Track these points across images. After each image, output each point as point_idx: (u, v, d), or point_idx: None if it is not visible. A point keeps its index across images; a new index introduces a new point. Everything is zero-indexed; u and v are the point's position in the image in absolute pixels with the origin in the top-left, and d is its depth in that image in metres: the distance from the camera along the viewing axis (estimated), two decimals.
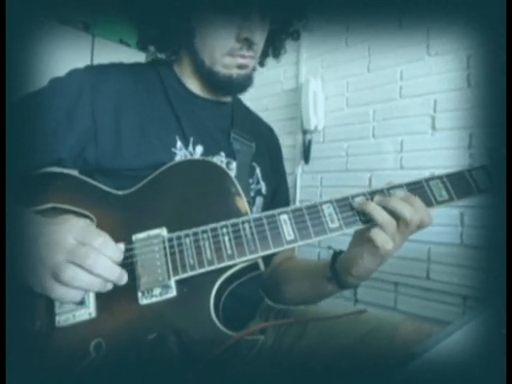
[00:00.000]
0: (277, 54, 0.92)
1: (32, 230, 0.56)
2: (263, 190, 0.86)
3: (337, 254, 0.73)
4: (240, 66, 0.76)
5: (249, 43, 0.74)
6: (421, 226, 0.61)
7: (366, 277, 0.68)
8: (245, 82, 0.79)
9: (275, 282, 0.88)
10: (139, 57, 2.44)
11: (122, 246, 0.59)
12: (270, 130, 1.03)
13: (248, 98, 0.93)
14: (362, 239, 0.64)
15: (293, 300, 0.86)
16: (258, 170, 0.86)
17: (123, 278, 0.57)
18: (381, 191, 0.63)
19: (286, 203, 0.98)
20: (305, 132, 2.08)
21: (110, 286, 0.57)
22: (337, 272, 0.71)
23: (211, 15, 0.73)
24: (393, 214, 0.60)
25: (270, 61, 0.94)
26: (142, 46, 0.84)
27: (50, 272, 0.53)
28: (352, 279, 0.69)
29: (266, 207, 0.85)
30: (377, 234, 0.60)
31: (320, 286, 0.76)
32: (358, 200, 0.63)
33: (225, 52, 0.74)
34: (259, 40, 0.75)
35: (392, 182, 0.65)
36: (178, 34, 0.77)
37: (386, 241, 0.60)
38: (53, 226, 0.56)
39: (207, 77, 0.78)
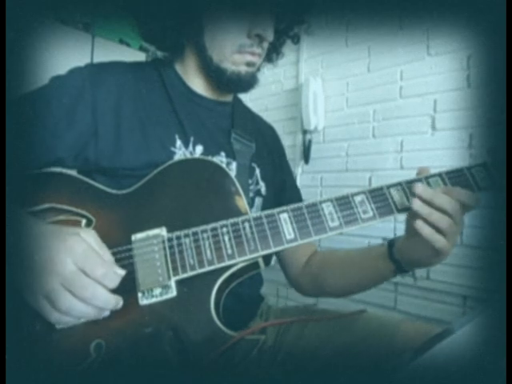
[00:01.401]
0: (273, 59, 0.91)
1: (31, 240, 0.55)
2: (263, 190, 0.86)
3: (391, 244, 0.71)
4: (248, 64, 0.76)
5: (260, 40, 0.74)
6: (467, 210, 0.60)
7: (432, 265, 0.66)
8: (252, 80, 0.79)
9: (316, 277, 0.86)
10: (139, 57, 2.45)
11: (122, 272, 0.57)
12: (271, 130, 1.02)
13: (248, 98, 0.93)
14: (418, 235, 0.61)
15: (342, 291, 0.84)
16: (257, 171, 0.86)
17: (118, 304, 0.57)
18: (380, 189, 0.63)
19: (299, 199, 0.97)
20: (305, 132, 2.08)
21: (106, 313, 0.57)
22: (399, 262, 0.69)
23: (223, 11, 0.73)
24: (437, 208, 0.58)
25: None
26: (146, 42, 0.82)
27: (45, 296, 0.53)
28: (418, 268, 0.69)
29: (266, 207, 0.85)
30: (422, 229, 0.58)
31: (379, 275, 0.75)
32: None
33: (235, 48, 0.74)
34: (270, 37, 0.75)
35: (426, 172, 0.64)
36: (187, 30, 0.76)
37: (432, 233, 0.58)
38: (52, 240, 0.54)
39: (214, 74, 0.78)
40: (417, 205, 0.59)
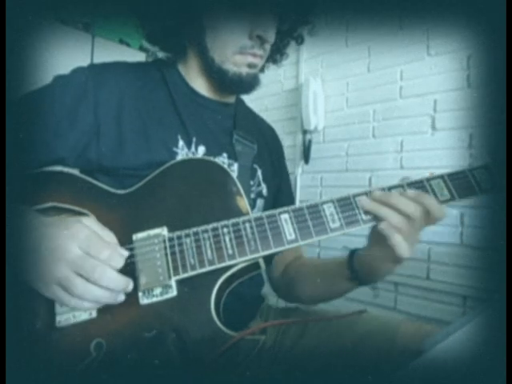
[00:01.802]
0: (277, 60, 0.91)
1: (34, 232, 0.56)
2: (264, 191, 0.86)
3: (352, 253, 0.72)
4: (250, 65, 0.76)
5: (261, 41, 0.74)
6: (432, 220, 0.60)
7: (387, 276, 0.68)
8: (253, 81, 0.79)
9: (289, 282, 0.87)
10: (139, 57, 2.45)
11: (125, 252, 0.59)
12: (271, 131, 1.02)
13: (248, 98, 0.93)
14: (381, 243, 0.62)
15: (309, 299, 0.85)
16: (259, 172, 0.86)
17: (129, 285, 0.58)
18: (382, 191, 0.63)
19: (291, 203, 0.97)
20: (305, 132, 2.08)
21: (122, 298, 0.58)
22: (357, 272, 0.70)
23: (225, 12, 0.73)
24: (397, 210, 0.59)
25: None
26: (149, 43, 0.83)
27: (58, 283, 0.54)
28: (376, 279, 0.70)
29: (267, 209, 0.85)
30: (389, 231, 0.59)
31: (339, 285, 0.75)
32: (361, 200, 0.62)
33: (236, 49, 0.74)
34: (271, 38, 0.75)
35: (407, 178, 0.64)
36: (189, 31, 0.76)
37: (398, 238, 0.58)
38: (56, 229, 0.56)
39: (216, 75, 0.78)
40: (364, 201, 0.61)
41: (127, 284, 0.57)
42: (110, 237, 0.60)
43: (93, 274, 0.54)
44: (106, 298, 0.56)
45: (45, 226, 0.57)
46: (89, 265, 0.54)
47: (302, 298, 0.86)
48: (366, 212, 0.61)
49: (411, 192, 0.60)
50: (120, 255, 0.57)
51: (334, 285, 0.77)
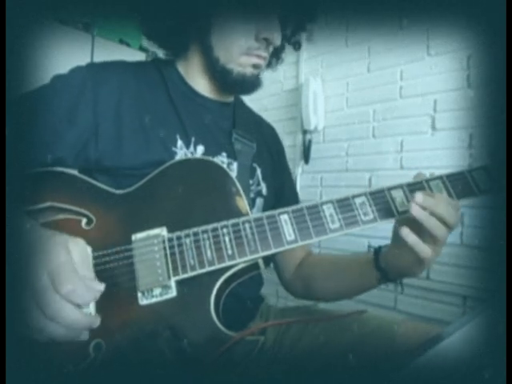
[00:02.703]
0: (272, 64, 0.91)
1: (22, 246, 0.53)
2: (264, 191, 0.86)
3: (377, 252, 0.71)
4: (254, 66, 0.76)
5: (267, 43, 0.74)
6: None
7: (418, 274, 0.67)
8: (256, 82, 0.80)
9: (305, 281, 0.87)
10: (139, 57, 2.45)
11: (100, 286, 0.54)
12: (271, 129, 1.02)
13: (248, 98, 0.93)
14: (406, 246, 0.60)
15: (331, 296, 0.85)
16: (258, 171, 0.86)
17: (94, 324, 0.55)
18: (381, 191, 0.63)
19: (296, 201, 0.97)
20: (305, 132, 2.08)
21: (85, 337, 0.55)
22: (386, 272, 0.70)
23: (233, 13, 0.73)
24: (440, 219, 0.58)
25: None
26: (149, 40, 0.82)
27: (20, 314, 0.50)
28: (405, 277, 0.69)
29: (266, 208, 0.85)
30: (407, 236, 0.58)
31: (366, 284, 0.75)
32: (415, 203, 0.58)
33: (242, 50, 0.74)
34: (277, 41, 0.75)
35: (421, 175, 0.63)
36: (194, 30, 0.76)
37: (427, 250, 0.58)
38: (38, 248, 0.52)
39: (219, 74, 0.78)
40: (415, 210, 0.57)
41: (89, 323, 0.53)
42: (85, 269, 0.55)
43: (47, 310, 0.49)
44: (61, 336, 0.51)
45: (33, 241, 0.53)
46: (46, 299, 0.49)
47: (322, 295, 0.85)
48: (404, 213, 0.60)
49: (451, 200, 0.59)
50: (91, 290, 0.52)
51: (360, 284, 0.77)
